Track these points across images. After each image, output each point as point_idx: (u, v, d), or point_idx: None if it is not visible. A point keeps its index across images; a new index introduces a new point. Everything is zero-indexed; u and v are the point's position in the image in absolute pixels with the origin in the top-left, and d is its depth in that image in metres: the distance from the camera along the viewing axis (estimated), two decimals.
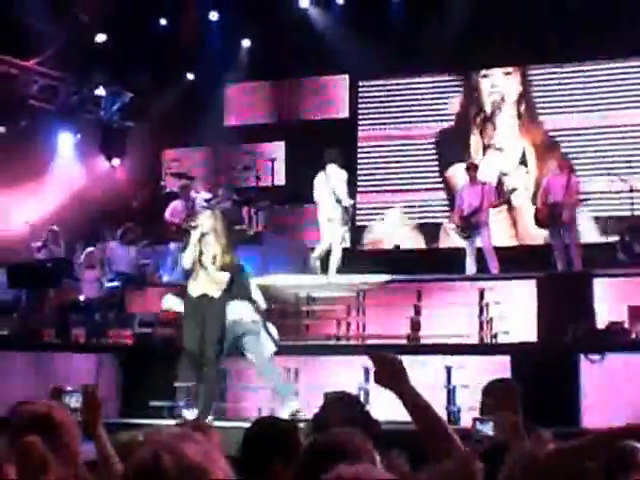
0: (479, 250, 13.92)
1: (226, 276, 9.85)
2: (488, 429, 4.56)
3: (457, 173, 16.62)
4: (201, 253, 9.86)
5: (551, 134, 16.65)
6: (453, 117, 17.34)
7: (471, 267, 13.86)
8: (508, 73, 17.06)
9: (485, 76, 17.20)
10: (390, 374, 3.10)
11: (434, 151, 17.33)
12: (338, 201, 13.51)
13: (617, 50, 15.81)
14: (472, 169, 14.59)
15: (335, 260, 13.70)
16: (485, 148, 17.04)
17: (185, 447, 1.88)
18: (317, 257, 13.91)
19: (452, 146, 17.10)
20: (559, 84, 16.59)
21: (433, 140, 17.34)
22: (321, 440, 2.82)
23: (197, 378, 9.95)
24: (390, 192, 17.27)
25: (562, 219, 13.35)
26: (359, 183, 17.26)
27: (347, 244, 14.22)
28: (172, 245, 14.77)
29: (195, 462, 1.86)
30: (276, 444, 3.81)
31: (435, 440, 2.97)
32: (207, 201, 15.09)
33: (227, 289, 9.88)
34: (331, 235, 13.72)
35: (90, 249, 13.96)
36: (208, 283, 9.85)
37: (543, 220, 13.72)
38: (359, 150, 17.57)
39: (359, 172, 17.42)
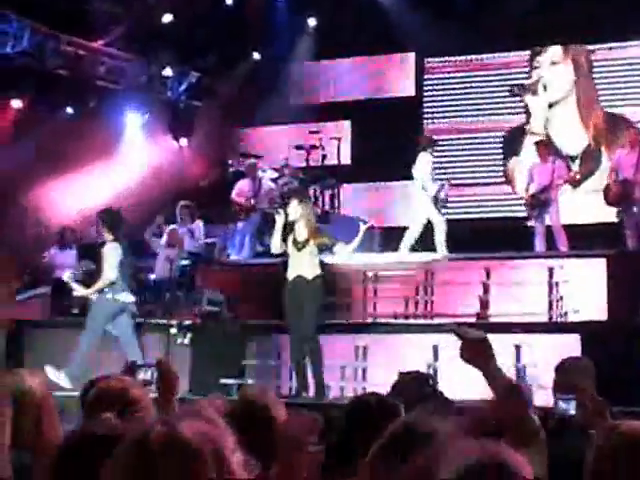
0: (548, 228, 13.81)
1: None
2: (570, 407, 4.51)
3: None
4: (294, 240, 10.37)
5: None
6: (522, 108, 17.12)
7: (540, 245, 13.76)
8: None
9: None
10: (476, 351, 3.06)
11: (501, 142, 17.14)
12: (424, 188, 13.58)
13: None
14: (542, 146, 14.47)
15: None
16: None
17: (183, 425, 1.86)
18: (408, 247, 13.88)
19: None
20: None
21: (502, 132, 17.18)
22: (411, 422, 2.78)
23: (300, 357, 10.43)
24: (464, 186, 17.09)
25: (633, 197, 13.18)
26: None
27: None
28: (239, 224, 14.84)
29: (186, 441, 1.83)
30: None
31: (514, 419, 2.94)
32: (273, 180, 15.14)
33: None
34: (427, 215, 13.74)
35: (173, 226, 14.05)
36: (302, 266, 10.32)
37: (613, 198, 13.55)
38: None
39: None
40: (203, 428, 1.88)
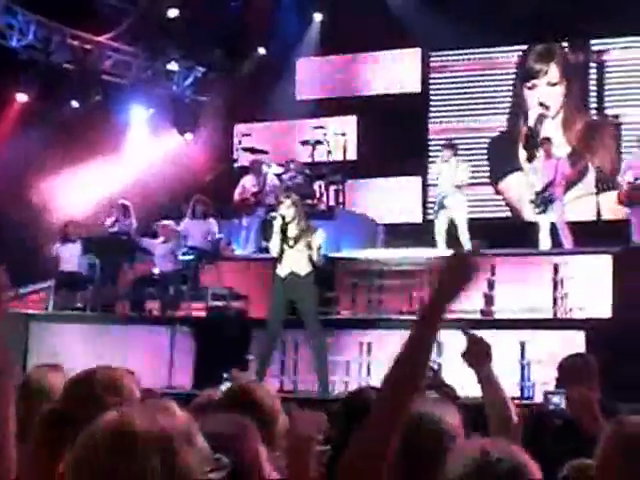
0: (553, 225, 13.81)
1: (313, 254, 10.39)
2: (561, 401, 4.51)
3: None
4: (286, 237, 10.40)
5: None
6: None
7: (545, 242, 13.76)
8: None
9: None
10: (478, 355, 3.30)
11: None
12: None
13: None
14: (546, 143, 14.48)
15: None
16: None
17: (161, 418, 1.82)
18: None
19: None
20: None
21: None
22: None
23: (268, 352, 10.48)
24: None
25: None
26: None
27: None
28: (245, 220, 14.82)
29: (166, 431, 1.80)
30: None
31: (498, 420, 3.21)
32: (278, 176, 15.11)
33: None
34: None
35: (163, 222, 14.01)
36: (294, 262, 10.36)
37: (626, 200, 13.56)
38: (430, 145, 17.42)
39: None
40: (178, 421, 1.84)
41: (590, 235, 13.97)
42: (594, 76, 16.59)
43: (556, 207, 13.84)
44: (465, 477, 2.11)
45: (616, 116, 16.11)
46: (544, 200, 13.86)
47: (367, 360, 11.52)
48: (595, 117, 16.58)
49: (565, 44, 16.77)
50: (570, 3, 15.56)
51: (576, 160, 15.96)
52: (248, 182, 14.98)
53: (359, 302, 13.01)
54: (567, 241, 13.59)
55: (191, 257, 13.59)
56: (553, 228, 13.78)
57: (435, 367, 5.24)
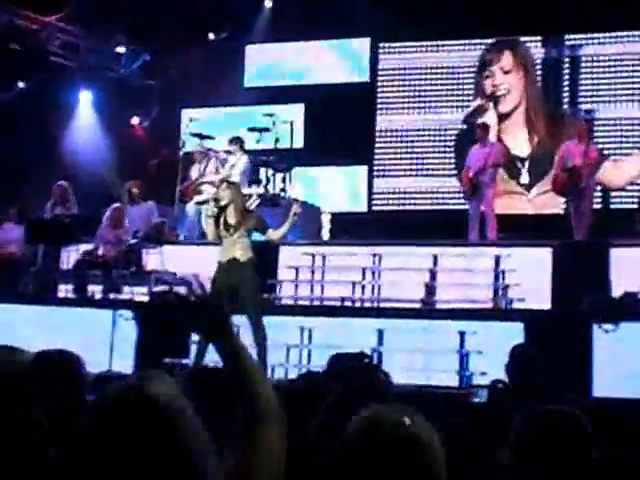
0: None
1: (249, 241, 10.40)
2: (483, 395, 4.65)
3: None
4: (225, 223, 10.36)
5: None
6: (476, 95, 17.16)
7: (472, 231, 13.81)
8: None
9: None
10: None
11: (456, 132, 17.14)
12: None
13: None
14: (482, 129, 14.49)
15: None
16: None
17: (151, 385, 1.85)
18: None
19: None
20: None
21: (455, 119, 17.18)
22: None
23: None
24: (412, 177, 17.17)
25: (580, 186, 13.29)
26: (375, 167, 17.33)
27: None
28: (189, 207, 14.78)
29: (160, 399, 1.82)
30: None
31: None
32: (223, 162, 15.07)
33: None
34: None
35: (117, 205, 13.94)
36: (234, 249, 10.34)
37: (561, 187, 13.67)
38: (377, 135, 17.47)
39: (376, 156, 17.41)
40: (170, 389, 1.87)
41: (533, 228, 14.15)
42: (567, 71, 16.63)
43: (485, 194, 13.86)
44: (353, 436, 2.11)
45: (589, 111, 16.13)
46: (473, 187, 13.86)
47: (307, 347, 11.58)
48: (566, 112, 16.53)
49: (538, 38, 16.79)
50: None
51: (540, 153, 16.09)
52: (194, 172, 15.00)
53: (301, 288, 13.06)
54: (491, 230, 13.65)
55: (135, 241, 13.55)
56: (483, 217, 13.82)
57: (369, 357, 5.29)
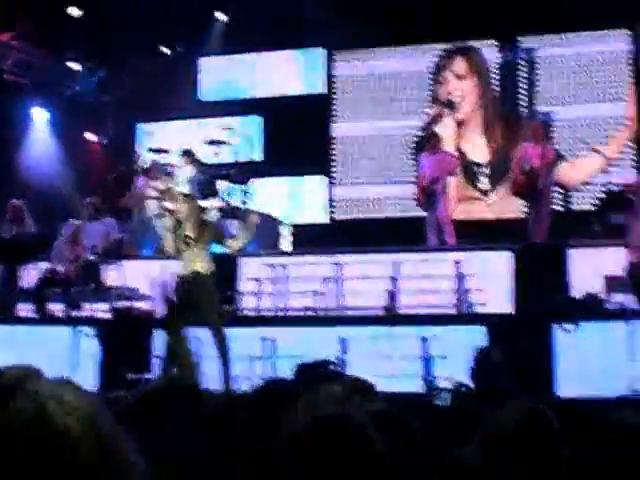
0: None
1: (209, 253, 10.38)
2: (448, 398, 4.65)
3: None
4: (184, 236, 10.30)
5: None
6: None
7: (431, 237, 13.85)
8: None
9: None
10: None
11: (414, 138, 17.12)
12: None
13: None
14: (432, 137, 14.56)
15: None
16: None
17: (65, 393, 1.79)
18: None
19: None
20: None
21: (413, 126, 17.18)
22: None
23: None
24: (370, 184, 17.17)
25: (538, 187, 13.36)
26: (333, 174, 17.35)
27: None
28: (142, 220, 14.74)
29: (79, 406, 1.76)
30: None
31: None
32: (171, 175, 15.01)
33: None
34: None
35: (75, 222, 13.84)
36: (195, 262, 10.29)
37: (520, 188, 13.74)
38: (335, 144, 17.47)
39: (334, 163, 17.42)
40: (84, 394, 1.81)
41: (493, 233, 14.20)
42: (524, 74, 16.68)
43: (440, 201, 13.91)
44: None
45: (545, 113, 16.15)
46: (429, 195, 13.93)
47: (271, 356, 11.54)
48: (523, 115, 16.57)
49: (493, 42, 16.85)
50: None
51: (499, 158, 16.15)
52: (140, 182, 15.05)
53: (263, 300, 13.02)
54: (449, 236, 13.71)
55: (92, 257, 13.47)
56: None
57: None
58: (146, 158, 15.79)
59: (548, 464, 2.83)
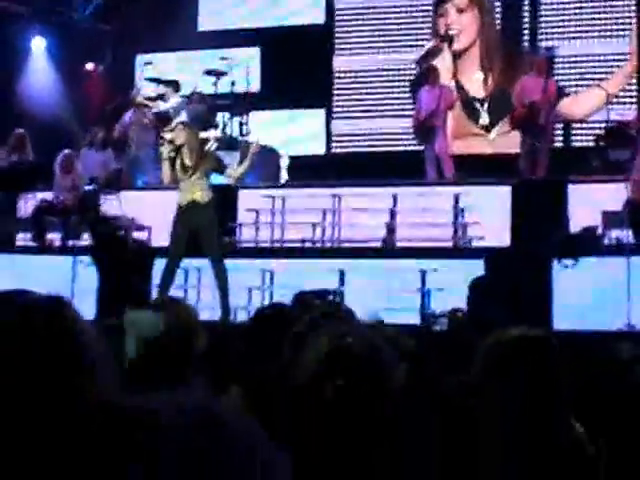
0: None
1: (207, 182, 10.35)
2: (444, 323, 4.69)
3: None
4: (182, 164, 10.28)
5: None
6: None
7: (431, 172, 13.82)
8: None
9: None
10: None
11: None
12: None
13: None
14: (431, 71, 14.48)
15: None
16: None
17: (60, 309, 1.80)
18: None
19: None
20: None
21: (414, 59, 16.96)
22: None
23: (168, 281, 10.43)
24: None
25: (538, 121, 13.31)
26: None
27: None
28: (141, 150, 14.72)
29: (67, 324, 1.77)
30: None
31: None
32: (176, 108, 14.97)
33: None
34: None
35: (66, 151, 13.79)
36: (193, 191, 10.27)
37: (518, 121, 13.69)
38: (335, 77, 17.33)
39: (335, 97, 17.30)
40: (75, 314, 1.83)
41: (492, 168, 14.16)
42: (527, 8, 16.44)
43: (439, 136, 13.88)
44: (320, 358, 2.13)
45: (549, 48, 15.92)
46: (427, 129, 13.89)
47: (270, 288, 11.59)
48: (525, 49, 16.39)
49: None
50: None
51: (499, 93, 16.01)
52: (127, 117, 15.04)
53: (261, 231, 13.03)
54: (448, 171, 13.69)
55: (91, 187, 13.44)
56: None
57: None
58: (144, 89, 15.71)
59: (551, 386, 2.85)
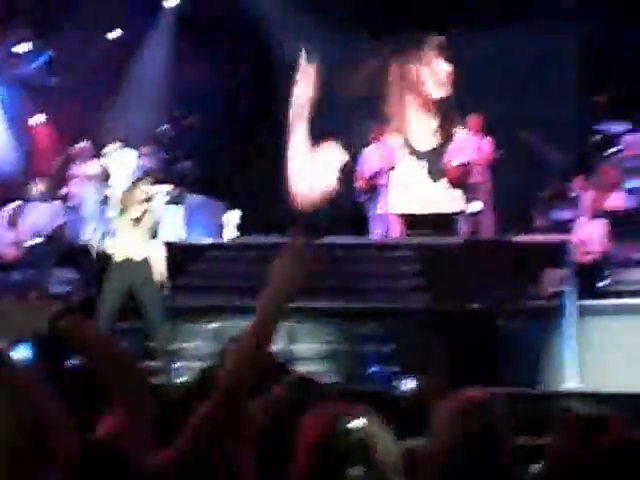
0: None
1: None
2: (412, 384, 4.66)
3: None
4: (123, 215, 10.04)
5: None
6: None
7: (375, 230, 13.87)
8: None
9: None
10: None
11: None
12: None
13: None
14: (377, 129, 14.55)
15: None
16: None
17: None
18: None
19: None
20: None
21: None
22: None
23: None
24: None
25: (474, 180, 13.34)
26: None
27: None
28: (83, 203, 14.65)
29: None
30: None
31: None
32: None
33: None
34: None
35: (13, 204, 13.67)
36: (132, 245, 9.96)
37: (455, 180, 13.73)
38: None
39: None
40: None
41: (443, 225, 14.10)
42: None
43: (382, 194, 13.92)
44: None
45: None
46: (370, 188, 13.90)
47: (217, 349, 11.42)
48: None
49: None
50: None
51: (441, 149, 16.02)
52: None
53: (213, 288, 12.86)
54: (393, 232, 13.72)
55: (35, 242, 13.28)
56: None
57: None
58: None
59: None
